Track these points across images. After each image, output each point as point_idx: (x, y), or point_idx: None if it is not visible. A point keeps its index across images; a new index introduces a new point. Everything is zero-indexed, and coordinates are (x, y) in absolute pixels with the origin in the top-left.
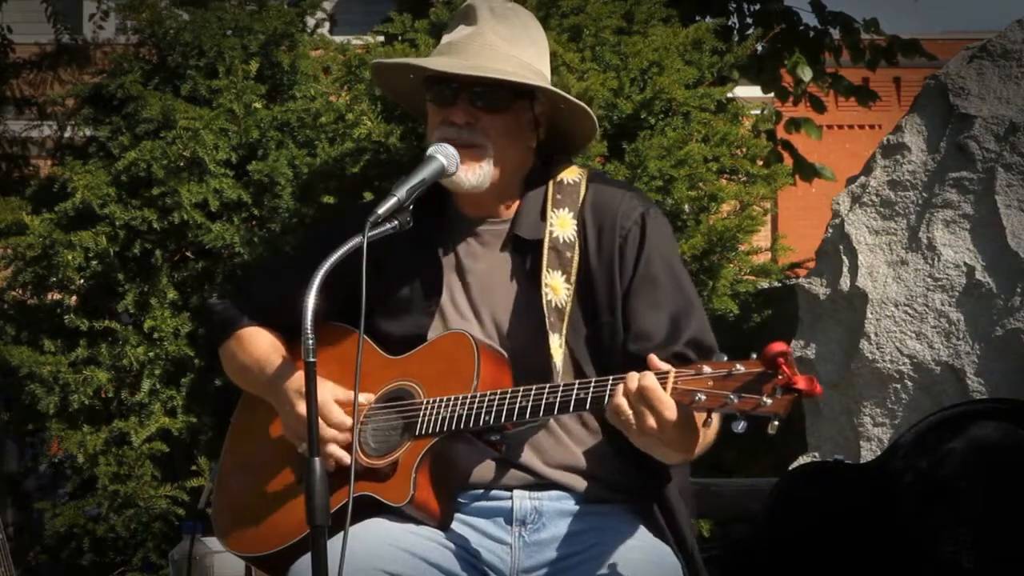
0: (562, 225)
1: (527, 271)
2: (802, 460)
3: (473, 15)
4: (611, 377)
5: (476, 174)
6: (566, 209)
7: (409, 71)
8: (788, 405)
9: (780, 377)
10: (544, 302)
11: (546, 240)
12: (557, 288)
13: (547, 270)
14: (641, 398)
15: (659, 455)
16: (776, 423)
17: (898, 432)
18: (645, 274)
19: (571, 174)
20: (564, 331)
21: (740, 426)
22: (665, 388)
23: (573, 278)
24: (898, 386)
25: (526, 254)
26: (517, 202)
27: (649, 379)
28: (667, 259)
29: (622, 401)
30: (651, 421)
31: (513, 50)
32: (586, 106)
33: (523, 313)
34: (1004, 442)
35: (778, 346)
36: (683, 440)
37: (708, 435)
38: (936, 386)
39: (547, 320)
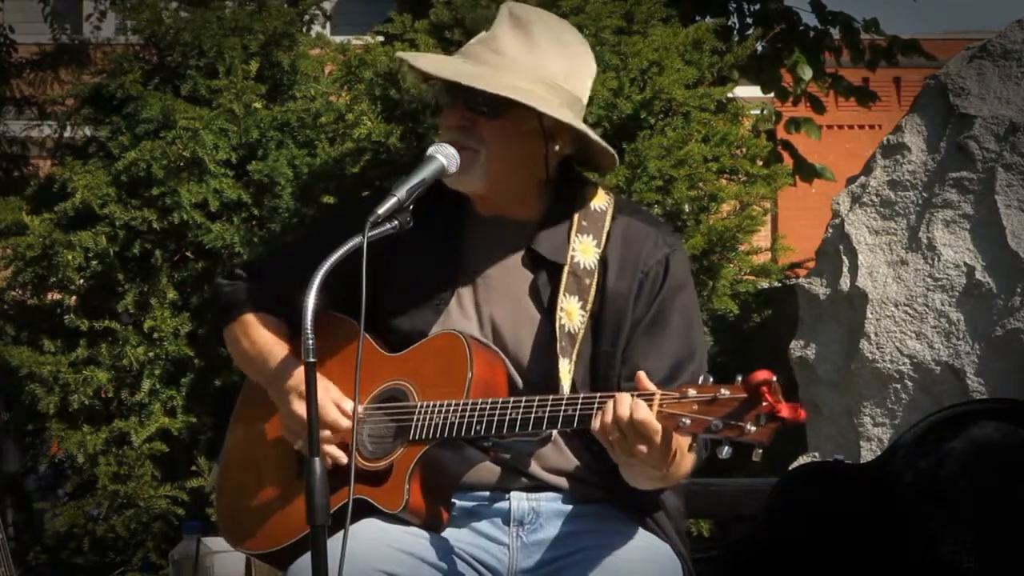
0: (584, 252)
1: (541, 290)
2: (802, 460)
3: (495, 21)
4: (599, 395)
5: (468, 175)
6: (590, 236)
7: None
8: (771, 434)
9: (764, 405)
10: (557, 326)
11: (567, 265)
12: (572, 314)
13: (564, 294)
14: (634, 429)
15: (637, 475)
16: (760, 451)
17: (898, 432)
18: (657, 316)
19: (598, 200)
20: (574, 357)
21: (725, 451)
22: (651, 409)
23: (589, 306)
24: (898, 386)
25: (543, 272)
26: (536, 209)
27: (642, 411)
28: (682, 304)
29: (610, 424)
30: (641, 447)
31: (525, 59)
32: (587, 130)
33: (532, 330)
34: (1004, 442)
35: (762, 374)
36: (663, 464)
37: (685, 464)
38: (936, 386)
39: (559, 344)
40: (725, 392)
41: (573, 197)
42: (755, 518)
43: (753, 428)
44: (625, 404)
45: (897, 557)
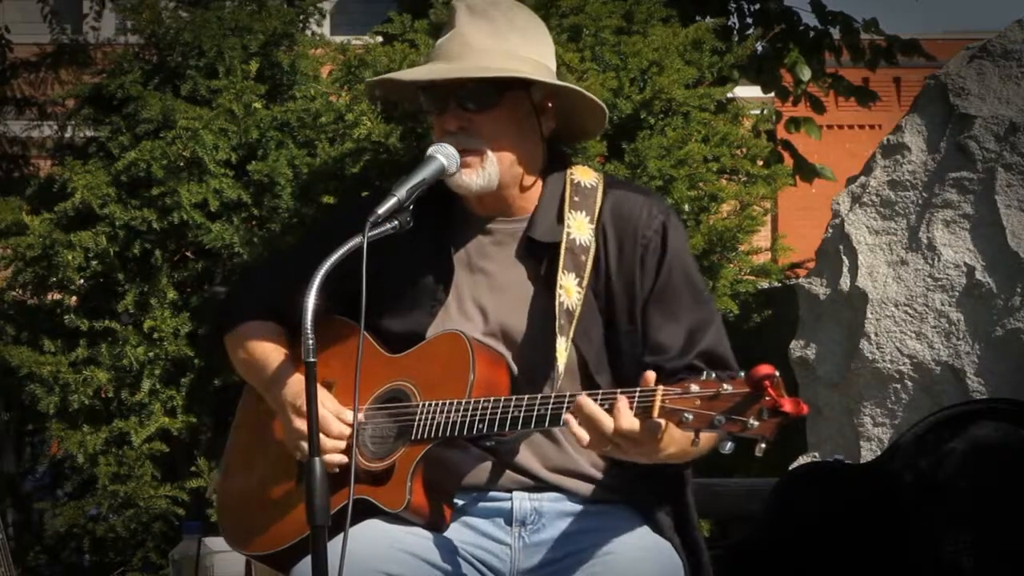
0: (579, 228)
1: (542, 274)
2: (802, 460)
3: (453, 18)
4: (601, 391)
5: (480, 176)
6: (583, 212)
7: (393, 85)
8: (775, 428)
9: (767, 400)
10: (556, 303)
11: (563, 242)
12: (570, 290)
13: (563, 271)
14: (624, 439)
15: (630, 459)
16: (763, 445)
17: (898, 432)
18: (665, 285)
19: (587, 176)
20: (571, 333)
21: (728, 447)
22: (652, 406)
23: (585, 282)
24: (898, 386)
25: (541, 257)
26: (532, 198)
27: (626, 421)
28: (686, 269)
29: (571, 419)
30: (631, 449)
31: (496, 44)
32: (580, 89)
33: (534, 315)
34: (1004, 442)
35: (764, 369)
36: (655, 453)
37: (701, 447)
38: (936, 386)
39: (557, 322)
40: (728, 387)
41: (562, 178)
42: (755, 518)
43: (756, 423)
44: (603, 420)
45: (897, 557)
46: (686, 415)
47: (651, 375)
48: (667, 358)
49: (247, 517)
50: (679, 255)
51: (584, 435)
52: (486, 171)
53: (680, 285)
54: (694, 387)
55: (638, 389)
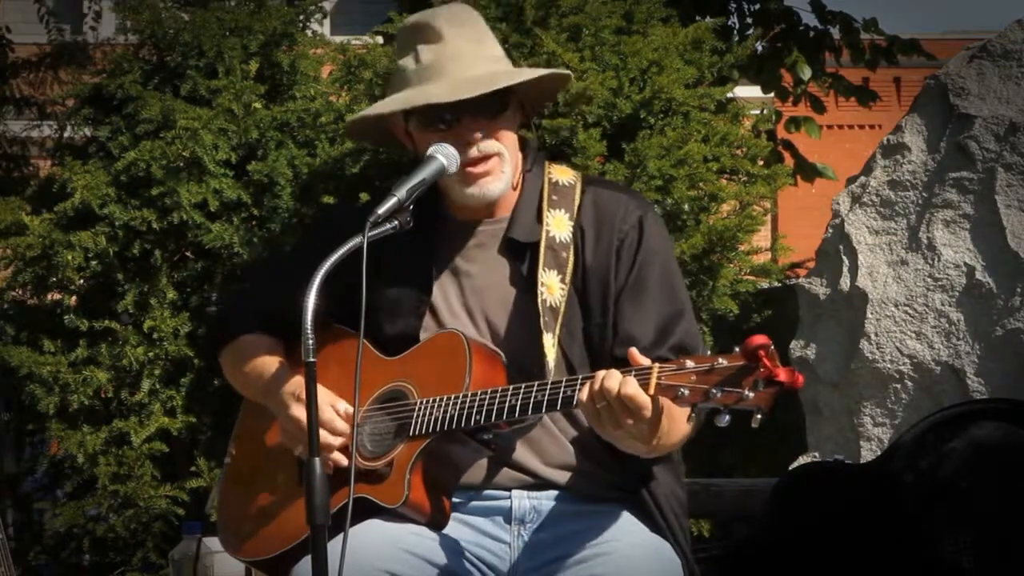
0: (558, 225)
1: (523, 272)
2: (802, 460)
3: (430, 31)
4: (601, 373)
5: (501, 180)
6: (562, 210)
7: (400, 112)
8: (771, 398)
9: (762, 370)
10: (539, 301)
11: (543, 241)
12: (552, 287)
13: (543, 269)
14: (621, 402)
15: (627, 446)
16: (759, 416)
17: (898, 432)
18: (638, 278)
19: (565, 175)
20: (557, 330)
21: (724, 420)
22: (648, 383)
23: (568, 278)
24: (898, 386)
25: (522, 256)
26: (511, 197)
27: (631, 387)
28: (662, 264)
29: (598, 392)
30: (628, 420)
31: (481, 50)
32: (550, 70)
33: (518, 314)
34: (1004, 442)
35: (758, 339)
36: (651, 437)
37: (678, 432)
38: (936, 386)
39: (541, 319)
40: (722, 361)
41: (539, 178)
42: (755, 518)
43: (751, 394)
44: (614, 378)
45: (897, 557)
46: (682, 390)
47: (637, 353)
48: (637, 350)
49: (246, 523)
50: (655, 250)
51: (597, 390)
52: (505, 174)
53: (653, 279)
54: (689, 362)
55: (633, 368)
